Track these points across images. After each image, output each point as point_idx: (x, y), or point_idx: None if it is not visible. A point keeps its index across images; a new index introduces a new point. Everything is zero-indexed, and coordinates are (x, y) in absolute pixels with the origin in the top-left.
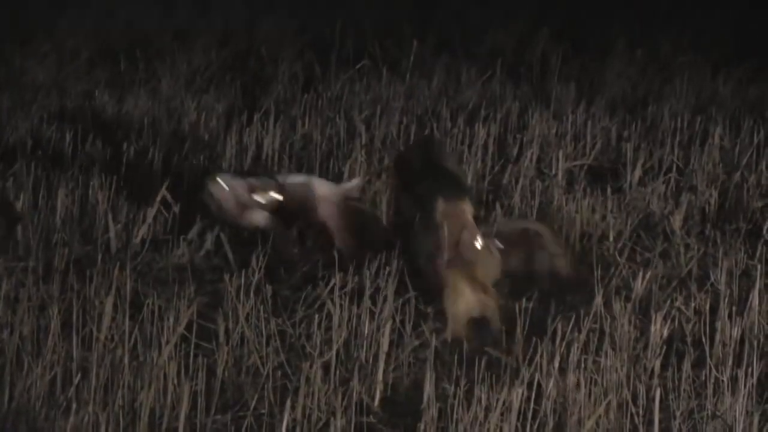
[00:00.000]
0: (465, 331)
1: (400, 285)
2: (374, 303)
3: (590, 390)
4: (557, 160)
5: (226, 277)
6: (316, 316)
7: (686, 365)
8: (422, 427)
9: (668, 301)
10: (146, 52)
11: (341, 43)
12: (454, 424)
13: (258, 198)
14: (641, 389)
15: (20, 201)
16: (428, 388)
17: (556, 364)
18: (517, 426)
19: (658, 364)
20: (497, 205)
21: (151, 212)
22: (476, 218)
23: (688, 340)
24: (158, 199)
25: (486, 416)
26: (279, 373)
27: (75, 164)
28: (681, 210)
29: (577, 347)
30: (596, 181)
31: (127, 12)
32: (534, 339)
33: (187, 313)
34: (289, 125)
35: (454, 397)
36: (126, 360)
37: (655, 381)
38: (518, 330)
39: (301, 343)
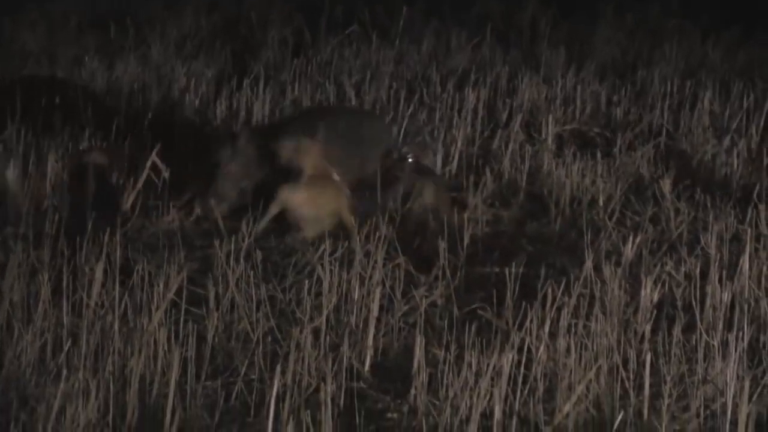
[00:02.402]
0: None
1: (389, 250)
2: (364, 268)
3: (580, 354)
4: (547, 124)
5: (216, 242)
6: (306, 281)
7: (677, 330)
8: (412, 392)
9: (658, 266)
10: (136, 18)
11: (330, 8)
12: (444, 389)
13: None
14: (632, 354)
15: (10, 167)
16: (418, 353)
17: (547, 329)
18: (507, 391)
19: (648, 328)
20: (487, 170)
21: (141, 178)
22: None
23: (679, 304)
24: (148, 164)
25: (476, 381)
26: (269, 338)
27: (65, 131)
28: (671, 174)
29: (567, 312)
30: (586, 145)
31: None
32: (524, 303)
33: (177, 279)
34: (278, 90)
35: (444, 362)
36: (116, 326)
37: (646, 345)
38: (508, 294)
39: (291, 309)
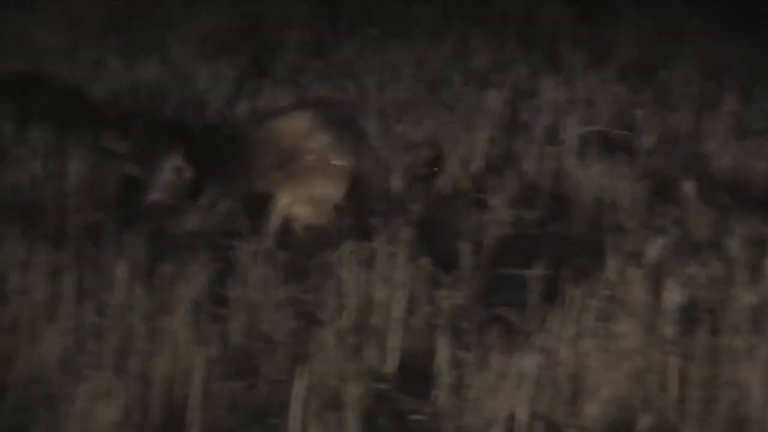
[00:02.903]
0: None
1: (413, 250)
2: (387, 269)
3: (604, 357)
4: (568, 125)
5: (239, 243)
6: (329, 282)
7: (702, 333)
8: (436, 393)
9: (682, 268)
10: (156, 18)
11: (351, 8)
12: (467, 391)
13: None
14: (656, 356)
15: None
16: (441, 355)
17: (570, 331)
18: (531, 393)
19: (673, 331)
20: (509, 171)
21: (164, 178)
22: None
23: (703, 307)
24: (170, 165)
25: (500, 383)
26: (292, 339)
27: (86, 132)
28: (693, 176)
29: (591, 314)
30: (608, 146)
31: None
32: (547, 305)
33: (200, 280)
34: (299, 91)
35: (468, 364)
36: (139, 326)
37: (670, 348)
38: (531, 296)
39: (313, 310)
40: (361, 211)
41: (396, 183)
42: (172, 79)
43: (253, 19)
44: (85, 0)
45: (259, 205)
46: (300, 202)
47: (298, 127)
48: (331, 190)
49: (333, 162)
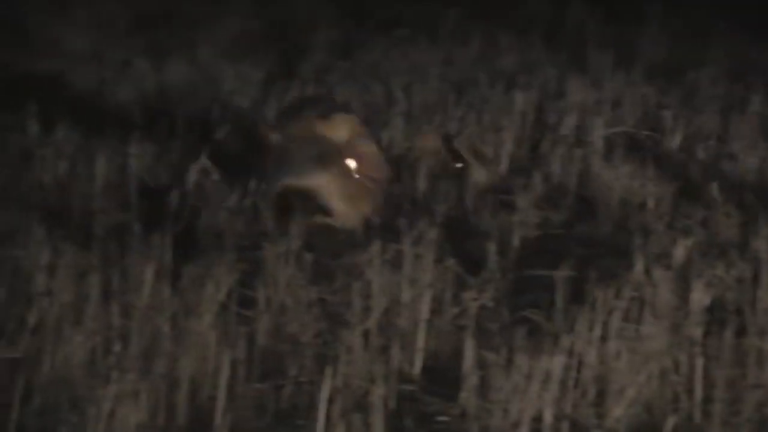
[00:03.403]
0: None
1: (440, 251)
2: (414, 270)
3: (631, 358)
4: (596, 127)
5: (266, 244)
6: (356, 283)
7: (728, 334)
8: (462, 395)
9: (709, 269)
10: (184, 19)
11: (378, 9)
12: (494, 392)
13: None
14: (682, 357)
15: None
16: (468, 356)
17: (597, 332)
18: (557, 394)
19: (699, 332)
20: (536, 172)
21: (191, 179)
22: None
23: (730, 307)
24: (197, 167)
25: (527, 384)
26: (319, 341)
27: (113, 133)
28: (720, 177)
29: (618, 315)
30: (635, 148)
31: None
32: (574, 306)
33: (227, 281)
34: (326, 92)
35: (495, 365)
36: (166, 328)
37: (697, 349)
38: (558, 297)
39: (340, 311)
40: (388, 212)
41: (422, 184)
42: (199, 80)
43: (281, 20)
44: (112, 1)
45: (286, 206)
46: (338, 203)
47: (342, 130)
48: (368, 198)
49: (372, 171)
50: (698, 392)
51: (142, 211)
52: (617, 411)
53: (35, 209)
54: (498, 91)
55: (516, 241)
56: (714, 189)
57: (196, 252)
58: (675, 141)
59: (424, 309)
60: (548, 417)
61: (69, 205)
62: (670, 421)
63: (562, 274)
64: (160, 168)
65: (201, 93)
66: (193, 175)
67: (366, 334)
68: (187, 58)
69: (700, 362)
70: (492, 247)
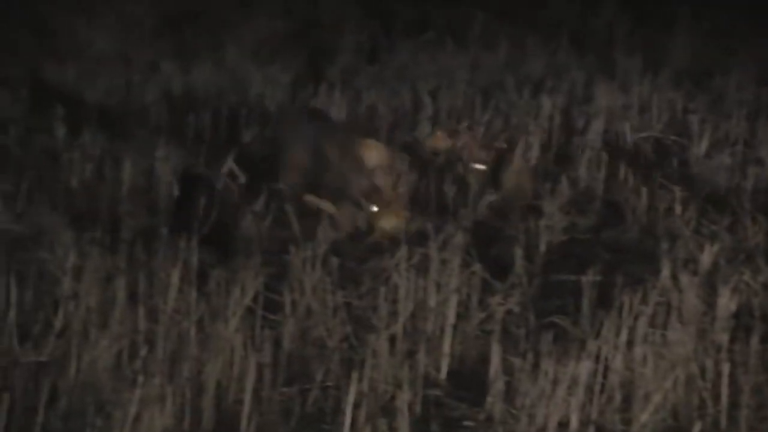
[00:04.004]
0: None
1: (466, 257)
2: (440, 275)
3: (657, 364)
4: (623, 131)
5: (293, 248)
6: (383, 288)
7: (754, 340)
8: (489, 400)
9: (735, 275)
10: (211, 21)
11: (406, 12)
12: (520, 398)
13: None
14: (709, 363)
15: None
16: (495, 361)
17: (623, 338)
18: (584, 400)
19: (725, 338)
20: (563, 177)
21: (218, 183)
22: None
23: (756, 313)
24: (224, 170)
25: (553, 389)
26: (345, 345)
27: (141, 135)
28: (747, 183)
29: (644, 320)
30: (662, 153)
31: None
32: (600, 312)
33: (254, 285)
34: (353, 96)
35: (521, 371)
36: (192, 332)
37: (723, 355)
38: (584, 303)
39: (367, 316)
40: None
41: (449, 189)
42: (226, 83)
43: (308, 22)
44: (139, 3)
45: (313, 211)
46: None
47: (383, 157)
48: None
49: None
50: (724, 398)
51: (168, 215)
52: (643, 416)
53: (62, 212)
54: (525, 95)
55: (543, 246)
56: (740, 194)
57: (222, 256)
58: (702, 146)
59: (451, 314)
60: (574, 422)
61: (95, 208)
62: (697, 427)
63: (588, 279)
64: (186, 171)
65: (228, 95)
66: (220, 179)
67: (392, 339)
68: (214, 60)
69: (726, 368)
70: (519, 252)
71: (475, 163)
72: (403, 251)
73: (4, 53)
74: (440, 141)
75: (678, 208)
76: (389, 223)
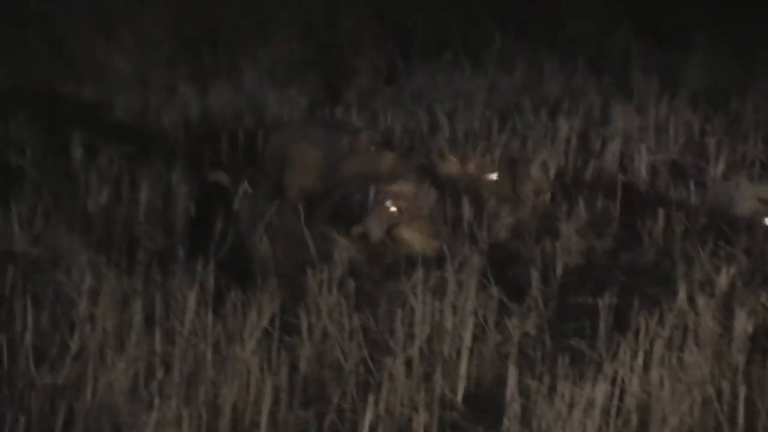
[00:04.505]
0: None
1: (482, 279)
2: (457, 298)
3: (674, 386)
4: (640, 153)
5: (309, 271)
6: (399, 310)
7: None
8: (505, 422)
9: (752, 297)
10: (228, 43)
11: (423, 34)
12: (537, 420)
13: None
14: (725, 386)
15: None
16: (511, 384)
17: (640, 360)
18: (600, 422)
19: (742, 360)
20: (580, 199)
21: (234, 205)
22: None
23: None
24: (240, 193)
25: (569, 412)
26: (361, 368)
27: (158, 157)
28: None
29: (661, 343)
30: (679, 175)
31: (209, 3)
32: (617, 334)
33: (270, 308)
34: (371, 118)
35: (537, 393)
36: (209, 354)
37: (740, 377)
38: (601, 325)
39: (383, 338)
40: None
41: (467, 211)
42: (244, 106)
43: (325, 45)
44: (157, 26)
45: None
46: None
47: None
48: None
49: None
50: (741, 420)
51: (185, 237)
52: None
53: (78, 234)
54: (542, 117)
55: (559, 269)
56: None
57: (239, 278)
58: (719, 168)
59: (467, 336)
60: None
61: (112, 230)
62: None
63: (605, 301)
64: (203, 193)
65: (246, 118)
66: (237, 201)
67: (409, 362)
68: (231, 83)
69: (742, 390)
70: (535, 275)
71: (491, 184)
72: (419, 274)
73: (22, 74)
74: (457, 163)
75: (695, 231)
76: (413, 236)
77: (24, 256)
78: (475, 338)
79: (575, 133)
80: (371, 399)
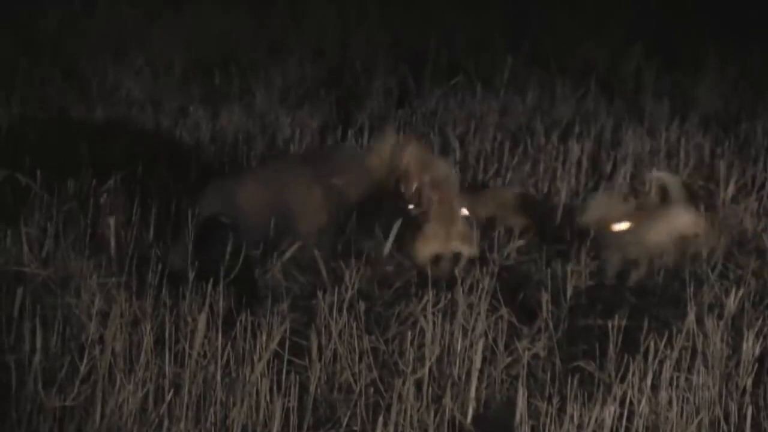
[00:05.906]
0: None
1: (492, 301)
2: (467, 320)
3: (682, 408)
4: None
5: (319, 293)
6: (409, 332)
7: None
8: None
9: (761, 319)
10: (240, 66)
11: (435, 57)
12: None
13: None
14: (733, 407)
15: (114, 217)
16: (521, 405)
17: (649, 382)
18: None
19: (750, 382)
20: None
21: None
22: None
23: None
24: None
25: None
26: (371, 390)
27: (168, 180)
28: None
29: (670, 365)
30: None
31: (221, 25)
32: (626, 356)
33: (280, 330)
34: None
35: (547, 415)
36: (218, 376)
37: (747, 399)
38: (610, 347)
39: (393, 360)
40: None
41: (476, 233)
42: (255, 128)
43: (337, 67)
44: (169, 48)
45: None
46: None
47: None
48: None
49: None
50: None
51: (196, 259)
52: None
53: (88, 256)
54: (554, 140)
55: (569, 291)
56: (767, 239)
57: (249, 300)
58: (729, 190)
59: (477, 358)
60: None
61: (122, 252)
62: None
63: (614, 323)
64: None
65: (257, 140)
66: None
67: (418, 383)
68: (243, 105)
69: (750, 412)
70: (545, 296)
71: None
72: (430, 296)
73: (33, 96)
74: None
75: (704, 253)
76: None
77: (33, 278)
78: (485, 360)
79: (586, 155)
80: (381, 421)
